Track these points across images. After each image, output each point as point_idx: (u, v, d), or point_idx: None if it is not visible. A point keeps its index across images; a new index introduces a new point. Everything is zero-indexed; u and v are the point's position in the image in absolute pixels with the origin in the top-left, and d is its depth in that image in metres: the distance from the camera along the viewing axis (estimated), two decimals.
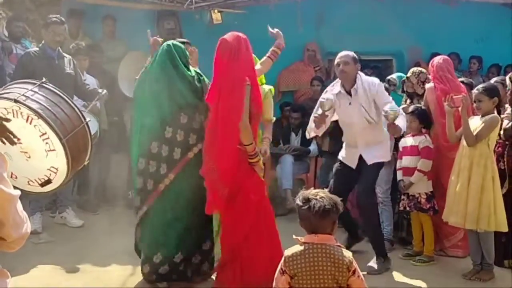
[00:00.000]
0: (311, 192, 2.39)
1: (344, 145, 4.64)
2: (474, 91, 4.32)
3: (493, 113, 4.17)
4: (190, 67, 3.94)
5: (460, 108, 4.25)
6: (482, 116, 4.20)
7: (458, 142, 4.34)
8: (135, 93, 4.04)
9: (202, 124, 3.79)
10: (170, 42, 3.95)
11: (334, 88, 4.45)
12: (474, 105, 4.27)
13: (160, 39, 4.24)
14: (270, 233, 3.70)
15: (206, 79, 3.90)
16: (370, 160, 4.33)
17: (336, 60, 4.39)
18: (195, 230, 3.82)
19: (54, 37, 4.96)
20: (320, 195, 2.36)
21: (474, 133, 4.15)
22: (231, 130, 3.58)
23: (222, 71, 3.64)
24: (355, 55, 4.42)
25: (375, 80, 4.41)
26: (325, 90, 4.63)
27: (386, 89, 5.26)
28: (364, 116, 4.28)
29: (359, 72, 4.39)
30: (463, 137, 4.22)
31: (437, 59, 4.93)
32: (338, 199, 2.38)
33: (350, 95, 4.34)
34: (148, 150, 3.75)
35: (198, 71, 3.99)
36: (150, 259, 3.75)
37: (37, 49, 5.03)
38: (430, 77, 5.03)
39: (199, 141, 3.77)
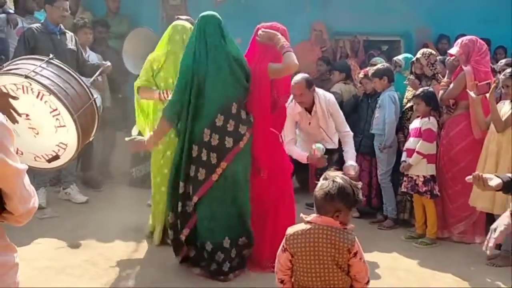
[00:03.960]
0: (334, 173, 2.36)
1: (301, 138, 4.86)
2: (501, 76, 4.28)
3: None
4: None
5: (488, 94, 4.22)
6: None
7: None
8: (184, 74, 3.65)
9: (247, 111, 3.75)
10: (210, 13, 3.69)
11: (296, 107, 4.59)
12: (502, 90, 4.23)
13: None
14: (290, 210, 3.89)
15: None
16: None
17: (291, 90, 4.40)
18: (237, 220, 3.74)
19: (61, 13, 4.95)
20: (336, 178, 2.30)
21: (503, 119, 4.12)
22: (261, 115, 3.71)
23: (256, 54, 3.74)
24: (308, 79, 4.54)
25: (331, 97, 4.62)
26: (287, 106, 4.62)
27: (391, 70, 5.26)
28: (322, 135, 4.68)
29: (316, 91, 4.57)
30: (492, 122, 4.21)
31: (473, 40, 4.69)
32: (350, 190, 2.27)
33: (311, 113, 4.61)
34: (201, 137, 3.61)
35: None
36: (220, 244, 3.64)
37: (39, 24, 5.00)
38: (439, 58, 4.95)
39: (247, 130, 3.70)
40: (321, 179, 2.36)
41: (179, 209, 3.70)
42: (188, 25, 4.29)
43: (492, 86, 4.20)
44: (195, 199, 3.65)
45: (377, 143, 5.12)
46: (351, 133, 4.58)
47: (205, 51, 3.60)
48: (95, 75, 4.60)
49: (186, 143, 3.65)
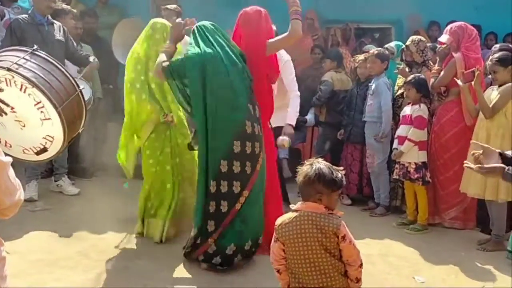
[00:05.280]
0: (313, 159, 2.41)
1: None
2: (488, 62, 4.29)
3: (510, 82, 4.13)
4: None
5: (473, 82, 4.23)
6: (499, 86, 4.18)
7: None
8: (196, 78, 3.56)
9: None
10: (203, 23, 3.74)
11: None
12: (490, 76, 4.25)
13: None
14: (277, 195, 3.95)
15: None
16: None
17: None
18: (261, 218, 3.77)
19: (48, 3, 4.88)
20: (314, 163, 2.37)
21: (491, 105, 4.13)
22: (260, 96, 3.75)
23: (241, 41, 3.79)
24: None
25: (286, 61, 4.56)
26: None
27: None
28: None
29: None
30: (480, 110, 4.22)
31: (462, 26, 4.69)
32: (327, 172, 2.32)
33: None
34: (243, 131, 3.56)
35: None
36: (224, 249, 3.58)
37: (26, 15, 4.93)
38: (429, 45, 4.94)
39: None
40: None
41: (211, 209, 3.60)
42: (167, 23, 4.18)
43: (476, 73, 4.21)
44: (246, 193, 3.58)
45: (371, 131, 5.11)
46: (297, 93, 4.54)
47: (213, 45, 3.61)
48: (83, 72, 4.56)
49: (220, 140, 3.55)
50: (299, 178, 2.35)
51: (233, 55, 3.64)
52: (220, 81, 3.56)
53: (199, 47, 3.62)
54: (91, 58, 4.98)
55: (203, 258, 3.64)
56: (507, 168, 2.21)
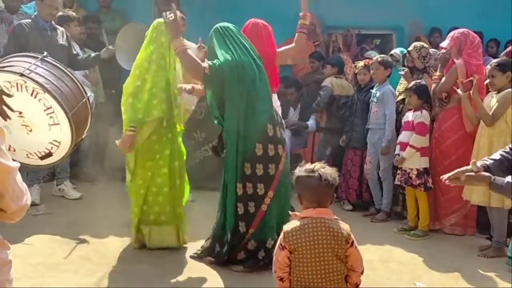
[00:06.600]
0: (315, 165, 2.39)
1: None
2: (487, 67, 4.31)
3: (508, 88, 4.15)
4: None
5: (471, 91, 4.25)
6: (498, 92, 4.20)
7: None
8: (232, 85, 3.60)
9: None
10: (226, 24, 3.75)
11: None
12: (488, 80, 4.27)
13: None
14: None
15: None
16: None
17: None
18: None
19: (50, 11, 4.92)
20: (324, 167, 2.36)
21: (491, 112, 4.15)
22: None
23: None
24: None
25: None
26: None
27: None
28: None
29: None
30: (480, 118, 4.25)
31: (465, 33, 4.71)
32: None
33: None
34: (265, 134, 3.64)
35: None
36: (264, 243, 3.67)
37: (30, 20, 4.97)
38: (432, 51, 4.96)
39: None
40: (303, 173, 2.35)
41: (240, 210, 3.68)
42: None
43: (474, 82, 4.23)
44: (270, 194, 3.66)
45: (377, 138, 5.10)
46: (278, 104, 4.34)
47: (242, 49, 3.66)
48: (107, 48, 4.61)
49: (245, 144, 3.61)
50: (324, 183, 2.29)
51: (257, 59, 3.70)
52: (249, 85, 3.63)
53: (229, 49, 3.63)
54: (111, 47, 5.14)
55: (245, 256, 3.70)
56: (493, 178, 2.21)
